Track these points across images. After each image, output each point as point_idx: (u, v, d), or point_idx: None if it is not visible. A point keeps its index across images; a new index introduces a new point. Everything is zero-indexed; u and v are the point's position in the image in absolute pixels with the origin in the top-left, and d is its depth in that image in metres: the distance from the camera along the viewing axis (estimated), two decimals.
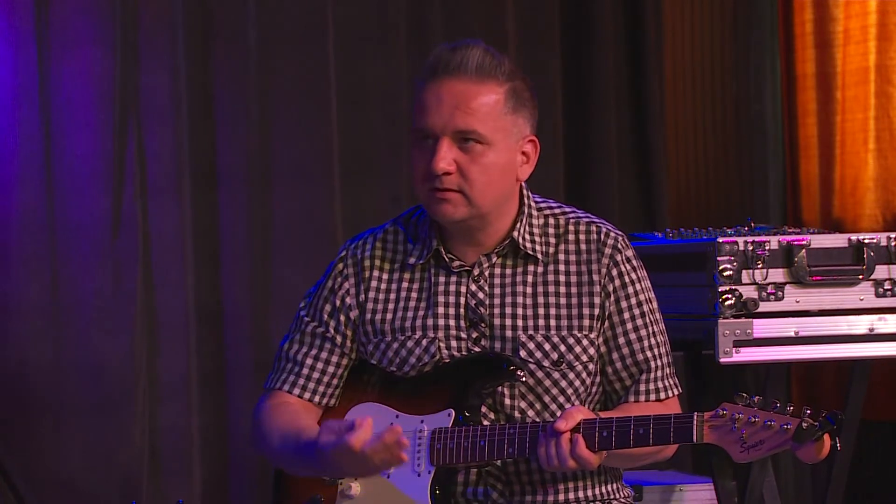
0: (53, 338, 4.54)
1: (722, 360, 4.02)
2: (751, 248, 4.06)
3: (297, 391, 3.08)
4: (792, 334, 4.06)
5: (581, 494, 3.02)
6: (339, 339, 3.07)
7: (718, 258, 4.05)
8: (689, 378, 4.27)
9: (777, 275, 4.07)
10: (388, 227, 3.10)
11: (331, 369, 3.07)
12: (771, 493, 4.37)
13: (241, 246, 4.75)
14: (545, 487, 2.99)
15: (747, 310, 4.04)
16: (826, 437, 2.70)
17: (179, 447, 4.64)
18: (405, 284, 3.05)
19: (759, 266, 4.06)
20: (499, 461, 2.95)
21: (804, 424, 2.68)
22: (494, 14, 5.15)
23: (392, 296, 3.05)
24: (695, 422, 2.76)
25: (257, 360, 4.73)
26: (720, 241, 4.05)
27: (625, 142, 5.35)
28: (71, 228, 4.57)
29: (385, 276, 3.06)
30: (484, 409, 2.98)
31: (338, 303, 3.07)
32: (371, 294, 3.05)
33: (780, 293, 4.07)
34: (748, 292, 4.05)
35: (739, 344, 4.02)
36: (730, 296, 4.03)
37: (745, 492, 4.34)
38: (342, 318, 3.06)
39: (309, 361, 3.08)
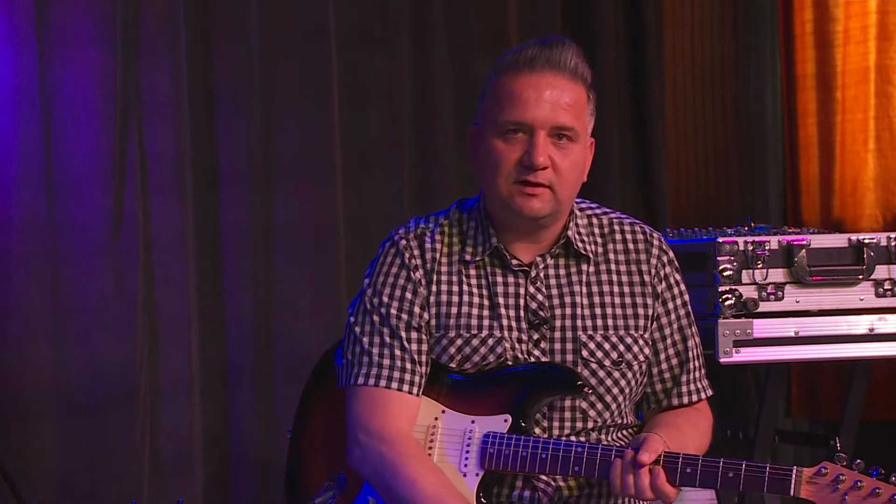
0: (54, 338, 4.53)
1: (722, 360, 4.03)
2: (751, 248, 4.07)
3: (406, 387, 2.98)
4: (792, 334, 4.06)
5: (627, 500, 3.01)
6: (423, 326, 3.01)
7: (718, 258, 4.05)
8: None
9: (777, 275, 4.08)
10: (441, 219, 3.06)
11: (424, 359, 3.01)
12: None
13: (242, 245, 4.75)
14: (591, 491, 2.97)
15: (747, 310, 4.04)
16: None
17: (180, 447, 4.64)
18: (465, 280, 3.01)
19: (759, 266, 4.06)
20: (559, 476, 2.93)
21: None
22: (496, 14, 5.16)
23: (455, 289, 3.01)
24: (794, 477, 2.76)
25: (259, 360, 4.74)
26: (720, 241, 4.06)
27: (625, 142, 5.36)
28: (71, 228, 4.56)
29: (445, 270, 3.02)
30: (545, 408, 2.96)
31: (419, 290, 3.01)
32: (434, 287, 3.01)
33: (780, 293, 4.07)
34: (748, 292, 4.05)
35: (739, 344, 4.03)
36: (730, 296, 4.04)
37: (744, 492, 4.34)
38: (423, 305, 3.01)
39: (410, 355, 2.99)
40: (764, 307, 4.06)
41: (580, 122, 2.94)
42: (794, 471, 2.76)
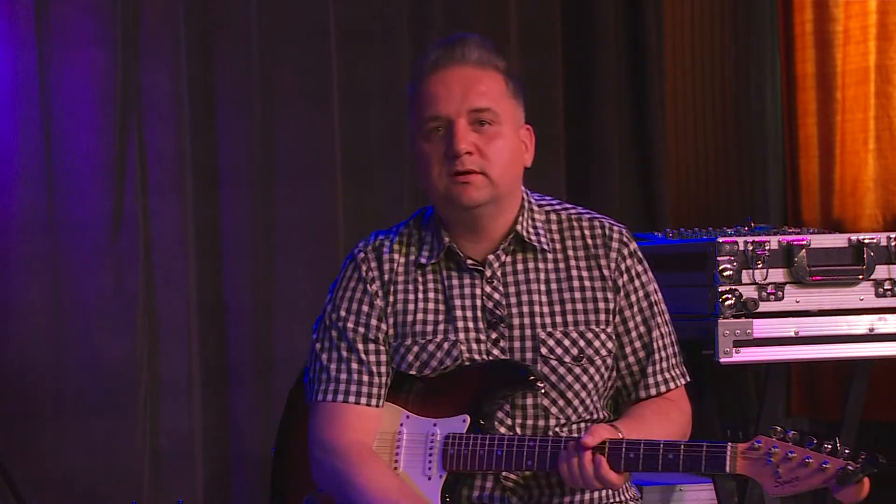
0: (54, 338, 4.53)
1: (722, 360, 4.03)
2: (751, 248, 4.07)
3: (363, 399, 3.01)
4: (792, 334, 4.06)
5: (595, 495, 3.02)
6: (381, 337, 3.03)
7: (718, 258, 4.05)
8: (689, 378, 4.27)
9: (777, 275, 4.08)
10: (402, 229, 3.10)
11: (383, 369, 3.03)
12: None
13: (242, 245, 4.76)
14: (563, 489, 2.98)
15: (747, 310, 4.04)
16: (866, 479, 2.69)
17: (181, 447, 4.64)
18: (421, 286, 3.04)
19: (759, 266, 4.06)
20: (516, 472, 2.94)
21: (849, 468, 2.67)
22: (496, 14, 5.16)
23: (411, 297, 3.03)
24: (728, 453, 2.77)
25: (259, 360, 4.74)
26: (720, 241, 4.06)
27: (625, 142, 5.36)
28: (72, 228, 4.57)
29: (401, 279, 3.05)
30: (507, 406, 2.97)
31: (376, 303, 3.03)
32: (391, 298, 3.04)
33: (780, 293, 4.07)
34: (748, 292, 4.05)
35: (739, 344, 4.03)
36: (730, 296, 4.04)
37: (745, 492, 4.34)
38: (380, 317, 3.03)
39: (367, 367, 3.02)
40: (764, 307, 4.06)
41: (499, 105, 2.98)
42: (729, 447, 2.76)
